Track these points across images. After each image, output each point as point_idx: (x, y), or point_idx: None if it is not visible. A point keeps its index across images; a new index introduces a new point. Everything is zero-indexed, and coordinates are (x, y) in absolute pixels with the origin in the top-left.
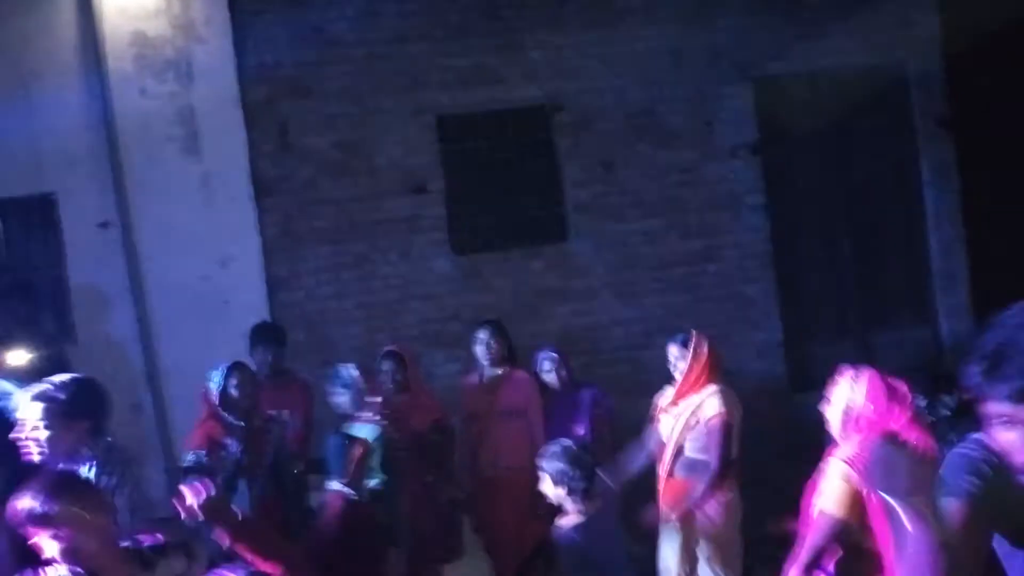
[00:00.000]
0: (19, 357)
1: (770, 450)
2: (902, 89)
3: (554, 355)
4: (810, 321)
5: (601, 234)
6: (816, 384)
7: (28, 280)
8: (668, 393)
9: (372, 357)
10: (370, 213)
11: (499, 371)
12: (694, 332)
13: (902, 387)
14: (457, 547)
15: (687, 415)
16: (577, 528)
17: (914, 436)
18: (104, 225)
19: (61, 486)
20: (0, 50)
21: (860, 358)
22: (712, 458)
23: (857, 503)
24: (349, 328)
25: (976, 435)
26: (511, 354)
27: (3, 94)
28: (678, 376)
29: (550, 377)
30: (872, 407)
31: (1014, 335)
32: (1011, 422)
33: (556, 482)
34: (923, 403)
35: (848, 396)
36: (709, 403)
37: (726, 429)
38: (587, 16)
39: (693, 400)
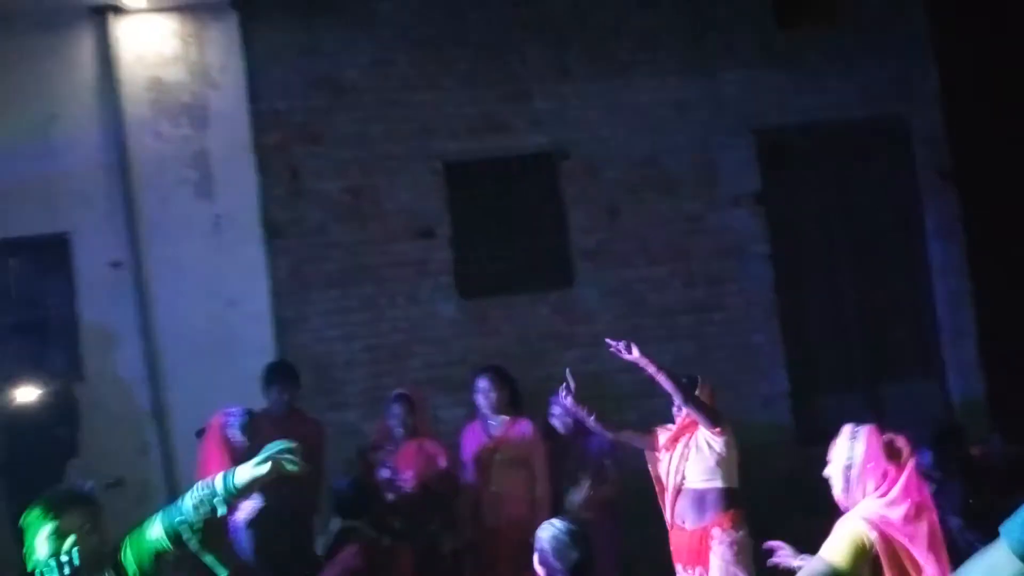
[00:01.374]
0: (28, 393)
1: (776, 503)
2: (904, 141)
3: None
4: (817, 372)
5: (607, 280)
6: (824, 436)
7: (39, 317)
8: (666, 433)
9: (378, 400)
10: (378, 257)
11: (502, 419)
12: (699, 377)
13: (901, 441)
14: None
15: (685, 447)
16: None
17: (911, 492)
18: (116, 264)
19: None
20: (21, 91)
21: (868, 410)
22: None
23: (862, 558)
24: (356, 371)
25: None
26: (515, 400)
27: (22, 135)
28: (679, 417)
29: (558, 423)
30: (872, 464)
31: None
32: None
33: (539, 563)
34: (928, 457)
35: (847, 455)
36: (704, 432)
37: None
38: (593, 67)
39: (691, 434)
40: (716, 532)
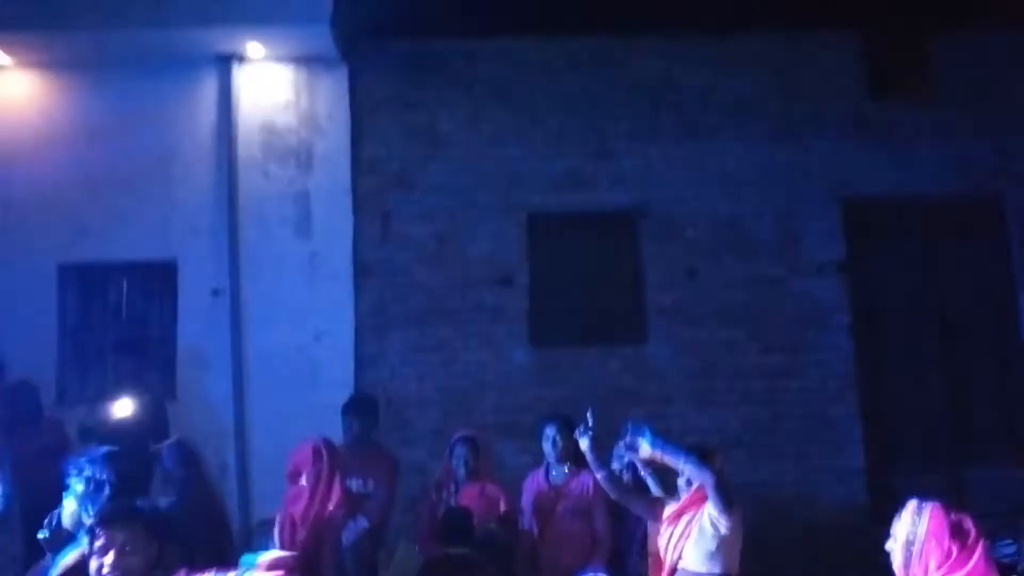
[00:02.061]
0: (124, 408)
1: None
2: (998, 216)
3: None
4: (896, 450)
5: (681, 339)
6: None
7: (142, 337)
8: (672, 506)
9: (446, 440)
10: (457, 301)
11: (566, 468)
12: (716, 450)
13: (968, 523)
14: None
15: (688, 524)
16: None
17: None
18: (216, 293)
19: None
20: (147, 129)
21: (949, 494)
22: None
23: None
24: (427, 410)
25: None
26: (580, 452)
27: (144, 169)
28: (686, 489)
29: (626, 476)
30: (934, 543)
31: None
32: None
33: None
34: (1011, 548)
35: (909, 530)
36: (711, 511)
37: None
38: (679, 128)
39: (698, 511)
40: None
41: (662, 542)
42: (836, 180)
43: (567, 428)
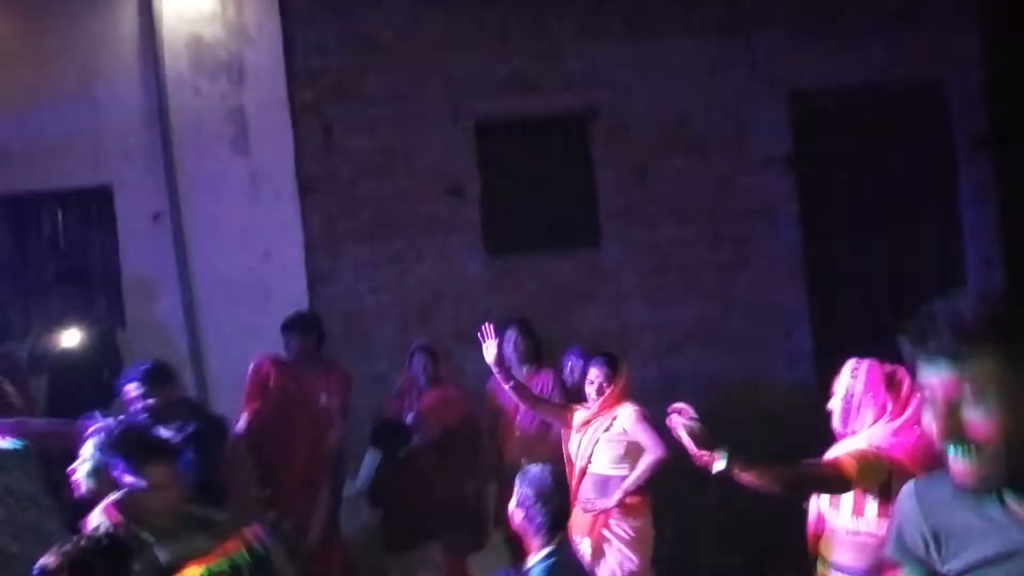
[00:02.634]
0: (72, 337)
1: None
2: (940, 105)
3: (579, 354)
4: (842, 332)
5: (633, 240)
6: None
7: (84, 267)
8: (582, 413)
9: (406, 352)
10: (408, 213)
11: (526, 369)
12: (619, 356)
13: (901, 373)
14: (481, 538)
15: (598, 430)
16: (543, 567)
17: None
18: (156, 217)
19: None
20: (65, 49)
21: None
22: (651, 445)
23: (874, 474)
24: (384, 324)
25: None
26: (539, 353)
27: (67, 91)
28: (595, 396)
29: (573, 378)
30: (871, 395)
31: (950, 301)
32: (931, 398)
33: (518, 504)
34: None
35: (848, 384)
36: (624, 414)
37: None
38: (625, 26)
39: (606, 418)
40: (614, 519)
41: (572, 447)
42: (783, 73)
43: (527, 331)
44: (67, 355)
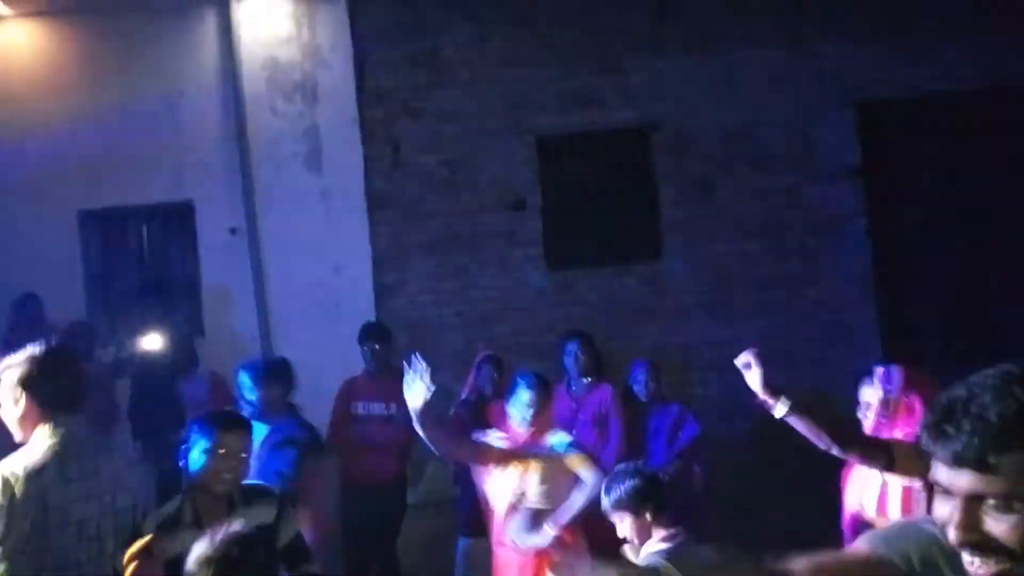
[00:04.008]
0: (154, 341)
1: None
2: (1015, 112)
3: (646, 366)
4: (914, 352)
5: (696, 254)
6: None
7: (166, 278)
8: (504, 446)
9: (468, 363)
10: (471, 227)
11: (585, 381)
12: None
13: (925, 378)
14: None
15: (530, 462)
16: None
17: None
18: (233, 231)
19: None
20: (151, 72)
21: None
22: (590, 475)
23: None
24: (448, 335)
25: None
26: (599, 367)
27: (152, 111)
28: (528, 420)
29: (639, 388)
30: (910, 394)
31: (973, 394)
32: (946, 492)
33: (620, 508)
34: None
35: (885, 388)
36: (558, 441)
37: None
38: (687, 39)
39: (538, 446)
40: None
41: (496, 487)
42: (849, 83)
43: (587, 344)
44: (149, 360)
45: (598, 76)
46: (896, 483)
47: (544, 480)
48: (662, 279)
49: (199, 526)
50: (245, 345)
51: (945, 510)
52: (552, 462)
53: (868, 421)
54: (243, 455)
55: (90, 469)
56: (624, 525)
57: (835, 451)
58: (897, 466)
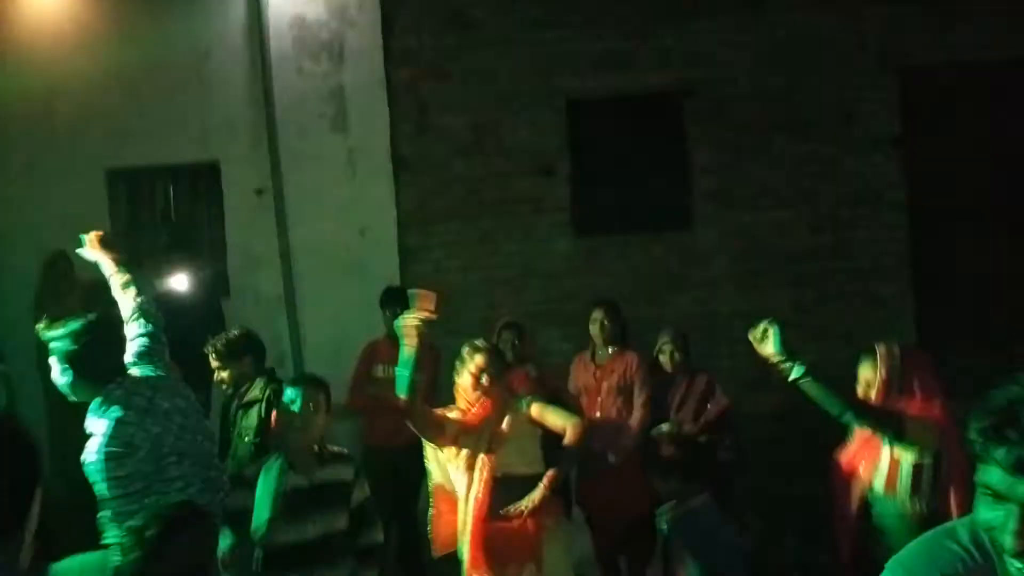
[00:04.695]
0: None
1: None
2: None
3: (672, 335)
4: (949, 327)
5: (727, 223)
6: (951, 395)
7: (193, 238)
8: (461, 418)
9: (493, 330)
10: (498, 192)
11: (611, 350)
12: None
13: (923, 359)
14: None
15: (497, 431)
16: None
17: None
18: (259, 192)
19: None
20: (178, 32)
21: (1002, 371)
22: (567, 417)
23: (930, 436)
24: (473, 301)
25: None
26: (624, 335)
27: (179, 71)
28: (480, 390)
29: (664, 357)
30: (913, 371)
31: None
32: (998, 498)
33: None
34: None
35: (891, 365)
36: (521, 405)
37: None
38: (723, 1)
39: (501, 415)
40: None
41: (462, 463)
42: (892, 49)
43: (614, 312)
44: (176, 320)
45: (631, 38)
46: (907, 460)
47: (512, 443)
48: (692, 248)
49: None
50: (270, 306)
51: (995, 515)
52: (516, 424)
53: (874, 394)
54: (327, 412)
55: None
56: None
57: (847, 417)
58: (907, 436)
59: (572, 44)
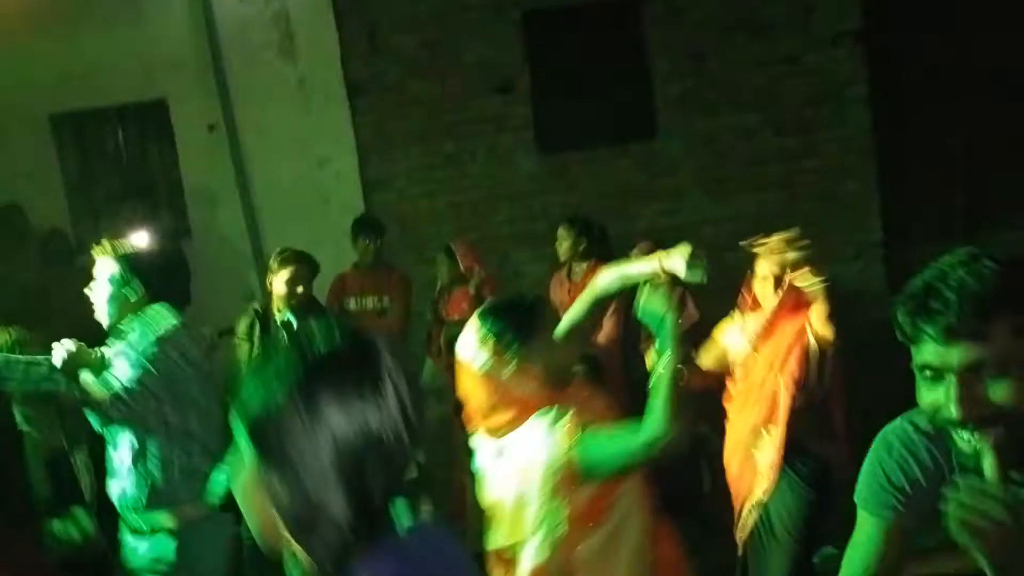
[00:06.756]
0: (142, 239)
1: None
2: None
3: (648, 249)
4: (913, 221)
5: (691, 130)
6: None
7: (147, 181)
8: None
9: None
10: (458, 113)
11: (584, 266)
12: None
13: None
14: None
15: None
16: None
17: None
18: (211, 128)
19: None
20: None
21: None
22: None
23: None
24: (440, 227)
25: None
26: (598, 250)
27: (115, 7)
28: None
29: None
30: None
31: (946, 272)
32: (936, 374)
33: None
34: None
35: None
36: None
37: None
38: None
39: None
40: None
41: None
42: None
43: (580, 227)
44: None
45: None
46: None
47: None
48: (658, 158)
49: None
50: (233, 245)
51: (938, 393)
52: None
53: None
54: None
55: None
56: None
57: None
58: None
59: None
